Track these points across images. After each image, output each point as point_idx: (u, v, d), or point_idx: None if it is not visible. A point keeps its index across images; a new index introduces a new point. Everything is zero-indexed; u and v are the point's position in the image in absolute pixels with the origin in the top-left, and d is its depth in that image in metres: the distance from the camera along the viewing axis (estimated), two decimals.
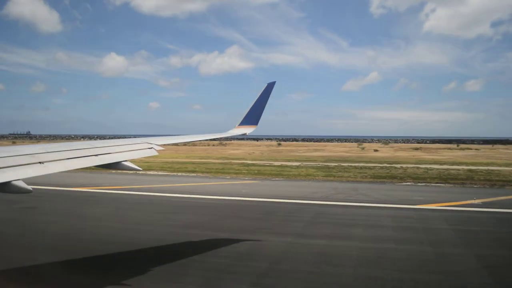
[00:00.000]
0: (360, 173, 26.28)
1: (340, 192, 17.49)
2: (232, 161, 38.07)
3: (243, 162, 36.49)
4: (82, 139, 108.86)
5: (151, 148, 6.83)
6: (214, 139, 10.95)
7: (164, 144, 7.28)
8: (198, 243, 9.51)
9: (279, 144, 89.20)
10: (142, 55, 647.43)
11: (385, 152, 65.55)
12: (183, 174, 25.45)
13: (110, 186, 18.81)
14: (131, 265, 7.92)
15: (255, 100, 9.11)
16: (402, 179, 23.14)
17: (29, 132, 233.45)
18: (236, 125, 9.20)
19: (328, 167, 31.68)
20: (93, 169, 6.63)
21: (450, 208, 13.89)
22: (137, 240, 9.64)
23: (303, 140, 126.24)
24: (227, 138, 10.47)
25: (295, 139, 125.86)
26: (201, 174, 25.11)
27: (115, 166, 5.93)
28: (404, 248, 9.09)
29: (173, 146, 74.46)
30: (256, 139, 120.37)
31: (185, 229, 10.88)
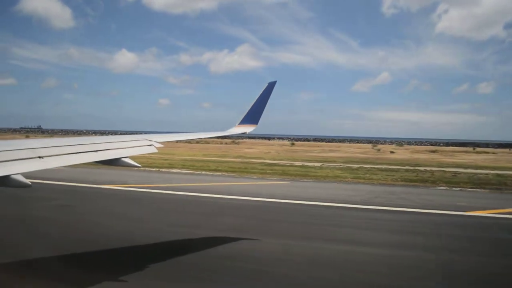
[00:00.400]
0: (388, 175, 25.59)
1: (378, 195, 16.84)
2: (251, 160, 37.56)
3: (263, 162, 35.96)
4: (93, 134, 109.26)
5: (150, 145, 6.81)
6: (214, 137, 10.84)
7: (164, 141, 7.25)
8: (262, 250, 8.75)
9: (293, 144, 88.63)
10: (153, 52, 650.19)
11: (402, 154, 64.66)
12: (207, 173, 24.97)
13: (139, 184, 18.35)
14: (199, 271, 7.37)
15: (255, 99, 9.14)
16: (434, 183, 22.45)
17: (40, 126, 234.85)
18: (236, 124, 9.22)
19: (351, 168, 31.05)
20: (94, 165, 6.45)
21: (504, 216, 13.22)
22: (194, 245, 9.04)
23: (315, 140, 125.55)
24: (227, 137, 10.70)
25: (306, 139, 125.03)
26: (226, 174, 24.59)
27: (114, 162, 5.96)
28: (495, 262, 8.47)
29: (187, 144, 74.37)
30: (268, 138, 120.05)
31: (237, 233, 10.08)
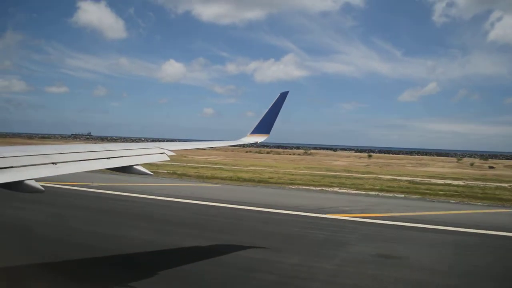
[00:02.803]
0: None
1: None
2: (379, 176, 34.40)
3: (393, 178, 32.65)
4: (149, 141, 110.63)
5: (163, 153, 6.82)
6: (226, 147, 11.05)
7: (176, 150, 7.17)
8: None
9: (370, 156, 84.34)
10: (200, 62, 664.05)
11: (503, 170, 59.41)
12: (375, 193, 21.82)
13: (341, 213, 14.90)
14: None
15: (268, 109, 9.03)
16: None
17: (90, 133, 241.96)
18: (248, 134, 9.12)
19: (506, 188, 27.28)
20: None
21: None
22: None
23: (379, 151, 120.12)
24: (239, 146, 10.45)
25: (371, 150, 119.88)
26: (397, 194, 21.43)
27: (126, 170, 5.95)
28: None
29: (270, 155, 72.07)
30: (333, 149, 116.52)
31: None
